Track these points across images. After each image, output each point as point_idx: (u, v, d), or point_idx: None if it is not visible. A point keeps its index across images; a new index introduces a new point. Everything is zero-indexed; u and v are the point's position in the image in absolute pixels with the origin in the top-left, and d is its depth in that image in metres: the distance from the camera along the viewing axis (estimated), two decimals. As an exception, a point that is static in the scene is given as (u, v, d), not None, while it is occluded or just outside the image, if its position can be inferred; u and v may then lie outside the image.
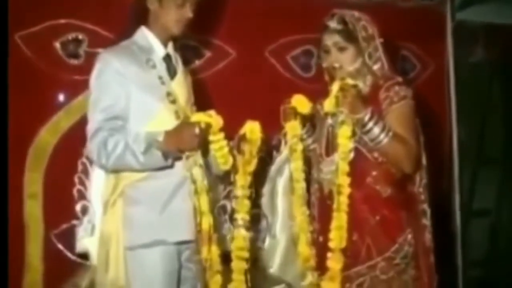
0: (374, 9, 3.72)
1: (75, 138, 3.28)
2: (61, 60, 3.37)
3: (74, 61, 3.38)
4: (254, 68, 3.68)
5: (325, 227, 2.74)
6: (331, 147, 2.85)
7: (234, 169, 2.70)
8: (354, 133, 2.67)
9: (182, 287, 2.73)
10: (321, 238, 2.83)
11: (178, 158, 2.55)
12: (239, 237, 2.70)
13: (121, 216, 2.59)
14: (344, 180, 2.65)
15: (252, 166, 2.71)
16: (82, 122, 3.17)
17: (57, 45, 3.36)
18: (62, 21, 3.36)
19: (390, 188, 2.80)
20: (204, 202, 2.53)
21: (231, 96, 3.52)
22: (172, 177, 2.57)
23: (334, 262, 2.65)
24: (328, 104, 2.68)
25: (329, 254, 2.66)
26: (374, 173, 2.78)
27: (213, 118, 2.54)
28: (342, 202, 2.64)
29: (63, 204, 3.33)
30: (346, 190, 2.65)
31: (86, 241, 3.19)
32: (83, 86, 3.26)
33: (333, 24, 2.83)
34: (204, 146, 2.56)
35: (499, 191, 5.03)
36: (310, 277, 2.79)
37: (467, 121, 4.52)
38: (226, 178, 2.85)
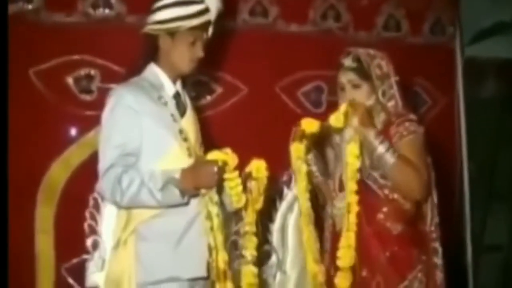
0: (385, 45, 3.75)
1: (87, 173, 3.29)
2: (74, 95, 3.40)
3: (86, 97, 3.41)
4: (265, 104, 3.70)
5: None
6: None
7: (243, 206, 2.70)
8: (361, 152, 2.66)
9: None
10: (332, 272, 2.82)
11: (194, 195, 2.56)
12: (249, 273, 2.68)
13: (134, 253, 2.57)
14: (353, 199, 2.64)
15: (259, 204, 2.70)
16: (94, 157, 3.17)
17: (70, 80, 3.40)
18: (75, 57, 3.40)
19: (401, 225, 2.79)
20: (219, 239, 2.52)
21: (242, 131, 3.53)
22: (184, 213, 2.56)
23: (342, 280, 2.64)
24: (335, 119, 2.68)
25: (337, 273, 2.64)
26: (384, 209, 2.78)
27: (229, 156, 2.55)
28: (351, 221, 2.63)
29: (74, 239, 3.32)
30: (355, 209, 2.63)
31: (97, 276, 3.18)
32: (95, 121, 3.28)
33: (348, 62, 2.86)
34: (219, 184, 2.57)
35: (511, 227, 5.00)
36: None
37: (478, 156, 4.51)
38: (236, 214, 2.85)
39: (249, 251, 2.67)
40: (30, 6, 3.33)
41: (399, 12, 4.05)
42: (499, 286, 4.92)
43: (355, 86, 2.83)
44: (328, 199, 2.98)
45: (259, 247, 2.77)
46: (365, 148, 2.71)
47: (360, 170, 2.68)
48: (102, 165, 2.53)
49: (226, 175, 2.54)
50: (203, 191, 2.51)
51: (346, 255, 2.63)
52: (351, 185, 2.64)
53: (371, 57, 2.86)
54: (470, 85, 4.41)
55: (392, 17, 4.03)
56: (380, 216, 2.78)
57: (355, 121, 2.68)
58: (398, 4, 4.04)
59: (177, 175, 2.46)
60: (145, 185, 2.44)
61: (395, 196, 2.76)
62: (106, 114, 2.59)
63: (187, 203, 2.54)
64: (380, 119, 2.84)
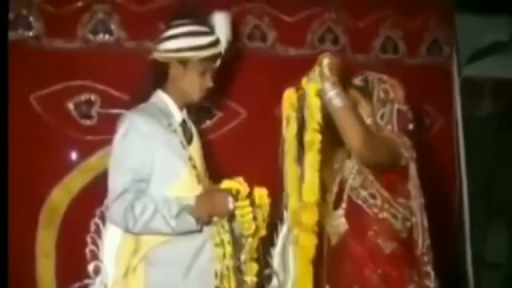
0: (382, 66, 3.81)
1: (88, 198, 3.32)
2: (74, 120, 3.41)
3: (86, 122, 3.42)
4: (265, 127, 3.68)
5: (332, 277, 2.80)
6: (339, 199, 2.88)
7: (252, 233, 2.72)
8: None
9: None
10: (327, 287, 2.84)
11: (207, 223, 2.57)
12: (250, 299, 2.71)
13: (144, 280, 2.57)
14: (315, 137, 2.66)
15: (263, 231, 2.73)
16: (95, 182, 3.22)
17: (71, 105, 3.41)
18: (75, 82, 3.42)
19: (392, 244, 2.79)
20: (231, 266, 2.55)
21: (241, 155, 3.55)
22: (193, 239, 2.57)
23: (308, 215, 2.67)
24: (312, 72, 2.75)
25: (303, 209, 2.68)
26: (374, 227, 2.79)
27: (242, 185, 2.58)
28: (312, 158, 2.66)
29: (75, 264, 3.34)
30: (316, 146, 2.65)
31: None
32: (96, 146, 3.33)
33: (356, 81, 2.92)
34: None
35: (510, 244, 5.01)
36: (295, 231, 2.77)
37: (476, 174, 4.53)
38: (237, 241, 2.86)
39: (250, 277, 2.69)
40: (30, 33, 3.35)
41: (396, 34, 4.07)
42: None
43: (355, 102, 2.86)
44: (326, 215, 3.00)
45: (260, 271, 2.79)
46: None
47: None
48: (113, 189, 2.54)
49: (238, 203, 2.56)
50: (215, 218, 2.54)
51: (309, 191, 2.66)
52: (313, 124, 2.66)
53: (380, 81, 2.92)
54: (468, 104, 4.43)
55: (390, 39, 4.06)
56: (371, 233, 2.79)
57: (326, 70, 2.68)
58: (395, 26, 4.07)
59: (192, 202, 2.48)
60: (159, 212, 2.45)
61: (385, 215, 2.78)
62: (118, 139, 2.60)
63: (200, 231, 2.55)
64: None
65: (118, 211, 2.50)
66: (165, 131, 2.60)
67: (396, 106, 2.89)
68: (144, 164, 2.54)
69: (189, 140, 2.70)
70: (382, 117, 2.88)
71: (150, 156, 2.54)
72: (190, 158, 2.63)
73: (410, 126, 2.94)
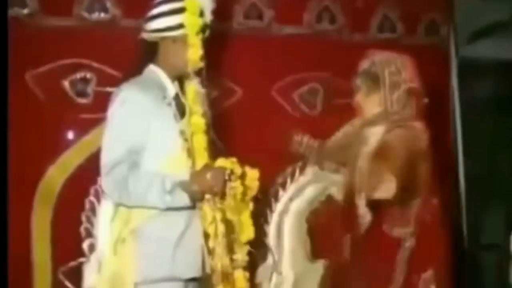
0: (379, 46, 3.77)
1: (83, 176, 3.32)
2: (70, 99, 3.41)
3: (82, 100, 3.42)
4: (260, 106, 3.71)
5: None
6: None
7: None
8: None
9: None
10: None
11: (199, 199, 2.58)
12: (240, 278, 2.71)
13: (133, 252, 2.58)
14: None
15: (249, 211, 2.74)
16: (90, 161, 3.22)
17: (66, 84, 3.40)
18: (71, 60, 3.41)
19: None
20: (223, 245, 2.56)
21: (237, 133, 3.53)
22: (182, 214, 2.58)
23: None
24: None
25: None
26: None
27: (235, 165, 2.59)
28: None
29: (71, 242, 3.35)
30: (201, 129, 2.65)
31: (94, 279, 3.19)
32: (91, 124, 3.33)
33: (364, 65, 2.91)
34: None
35: (507, 226, 5.01)
36: None
37: (474, 156, 4.53)
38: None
39: (241, 256, 2.70)
40: (25, 11, 3.33)
41: (394, 14, 4.06)
42: (495, 285, 4.93)
43: (365, 94, 2.86)
44: None
45: (256, 248, 2.80)
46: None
47: None
48: (107, 160, 2.52)
49: (231, 184, 2.57)
50: (207, 196, 2.54)
51: None
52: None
53: (388, 63, 2.89)
54: (465, 85, 4.42)
55: (387, 18, 4.04)
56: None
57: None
58: (393, 6, 4.05)
59: (186, 178, 2.48)
60: (153, 187, 2.46)
61: None
62: (114, 110, 2.58)
63: (193, 207, 2.56)
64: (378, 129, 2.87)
65: (112, 184, 2.50)
66: (160, 104, 2.59)
67: (409, 85, 2.88)
68: (138, 136, 2.53)
69: (182, 114, 2.69)
70: (398, 100, 2.87)
71: (145, 127, 2.54)
72: (182, 132, 2.63)
73: (425, 100, 2.94)
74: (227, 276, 2.58)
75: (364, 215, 2.83)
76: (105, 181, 2.54)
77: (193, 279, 2.65)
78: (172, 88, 2.69)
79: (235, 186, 2.59)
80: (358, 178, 2.85)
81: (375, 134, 2.88)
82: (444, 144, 4.26)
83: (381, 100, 2.87)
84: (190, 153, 2.61)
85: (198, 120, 2.63)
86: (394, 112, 2.87)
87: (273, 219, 3.43)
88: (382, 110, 2.87)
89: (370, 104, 2.90)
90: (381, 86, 2.86)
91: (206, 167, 2.56)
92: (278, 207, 3.43)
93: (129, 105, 2.55)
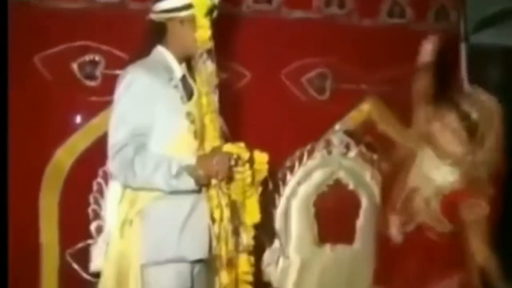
0: (387, 32, 3.77)
1: (91, 159, 3.32)
2: (78, 81, 3.41)
3: (91, 83, 3.42)
4: (269, 90, 3.70)
5: None
6: None
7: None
8: None
9: None
10: None
11: (205, 184, 2.58)
12: (245, 262, 2.71)
13: (139, 233, 2.58)
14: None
15: (257, 195, 2.74)
16: (98, 143, 3.22)
17: (75, 66, 3.40)
18: (80, 43, 3.41)
19: None
20: (228, 229, 2.56)
21: (245, 117, 3.53)
22: (188, 196, 2.59)
23: None
24: None
25: None
26: None
27: (242, 150, 2.58)
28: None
29: (78, 224, 3.36)
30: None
31: (101, 261, 3.19)
32: (100, 107, 3.33)
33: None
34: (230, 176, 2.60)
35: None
36: None
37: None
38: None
39: (246, 240, 2.70)
40: (34, -8, 3.33)
41: (404, -1, 4.05)
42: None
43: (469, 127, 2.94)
44: None
45: (263, 232, 2.80)
46: None
47: None
48: (113, 142, 2.52)
49: (238, 168, 2.57)
50: (214, 181, 2.54)
51: None
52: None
53: None
54: (474, 72, 4.39)
55: (397, 3, 4.02)
56: None
57: None
58: (403, -9, 4.03)
59: (192, 162, 2.48)
60: (159, 170, 2.46)
61: None
62: (121, 91, 2.57)
63: (199, 191, 2.56)
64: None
65: (119, 166, 2.50)
66: (167, 86, 2.59)
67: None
68: (145, 118, 2.53)
69: (189, 96, 2.69)
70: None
71: (150, 110, 2.54)
72: (189, 114, 2.62)
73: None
74: (231, 261, 2.58)
75: (396, 237, 2.89)
76: (111, 163, 2.54)
77: (200, 261, 2.66)
78: (179, 70, 2.68)
79: (242, 170, 2.59)
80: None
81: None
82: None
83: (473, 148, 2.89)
84: (197, 135, 2.61)
85: (207, 101, 2.62)
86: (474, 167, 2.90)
87: (281, 203, 3.43)
88: (465, 155, 2.90)
89: (456, 137, 2.93)
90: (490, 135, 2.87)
91: (213, 152, 2.56)
92: (286, 191, 3.44)
93: (135, 87, 2.54)
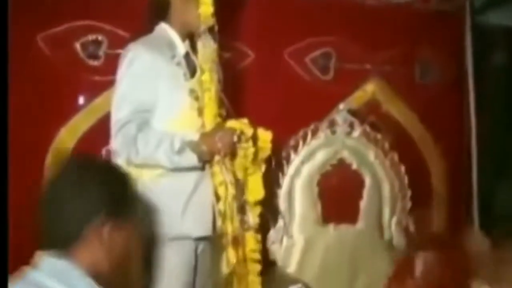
0: (392, 12, 3.75)
1: (94, 139, 3.31)
2: (81, 61, 3.39)
3: (94, 62, 3.40)
4: (273, 70, 3.69)
5: None
6: None
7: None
8: None
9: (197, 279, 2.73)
10: None
11: (209, 160, 2.57)
12: (251, 239, 2.71)
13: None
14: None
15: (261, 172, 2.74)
16: (102, 123, 3.21)
17: (77, 46, 3.38)
18: (82, 22, 3.39)
19: None
20: (233, 207, 2.56)
21: (249, 96, 3.52)
22: (191, 173, 2.58)
23: None
24: None
25: None
26: None
27: (246, 126, 2.58)
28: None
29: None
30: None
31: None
32: (103, 87, 3.32)
33: None
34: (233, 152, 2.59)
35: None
36: None
37: (487, 125, 4.49)
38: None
39: (252, 218, 2.70)
40: (36, -29, 3.31)
41: (408, -23, 4.01)
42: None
43: None
44: None
45: (268, 210, 2.80)
46: None
47: None
48: (117, 119, 2.54)
49: (241, 145, 2.57)
50: (217, 157, 2.53)
51: None
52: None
53: None
54: (480, 53, 4.37)
55: (401, -18, 3.99)
56: None
57: None
58: (408, -30, 4.00)
59: (195, 138, 2.48)
60: (162, 146, 2.46)
61: None
62: (123, 69, 2.60)
63: (202, 168, 2.56)
64: None
65: (122, 142, 2.52)
66: (169, 63, 2.60)
67: None
68: (148, 95, 2.54)
69: (193, 73, 2.68)
70: None
71: (152, 87, 2.55)
72: (192, 90, 2.62)
73: None
74: (237, 239, 2.59)
75: None
76: (114, 140, 2.55)
77: (204, 239, 2.66)
78: (182, 47, 2.68)
79: (246, 147, 2.59)
80: None
81: None
82: (457, 113, 4.23)
83: None
84: (200, 112, 2.61)
85: (209, 77, 2.61)
86: None
87: (285, 182, 3.43)
88: None
89: None
90: None
91: (216, 128, 2.56)
92: (290, 170, 3.43)
93: (137, 65, 2.56)
